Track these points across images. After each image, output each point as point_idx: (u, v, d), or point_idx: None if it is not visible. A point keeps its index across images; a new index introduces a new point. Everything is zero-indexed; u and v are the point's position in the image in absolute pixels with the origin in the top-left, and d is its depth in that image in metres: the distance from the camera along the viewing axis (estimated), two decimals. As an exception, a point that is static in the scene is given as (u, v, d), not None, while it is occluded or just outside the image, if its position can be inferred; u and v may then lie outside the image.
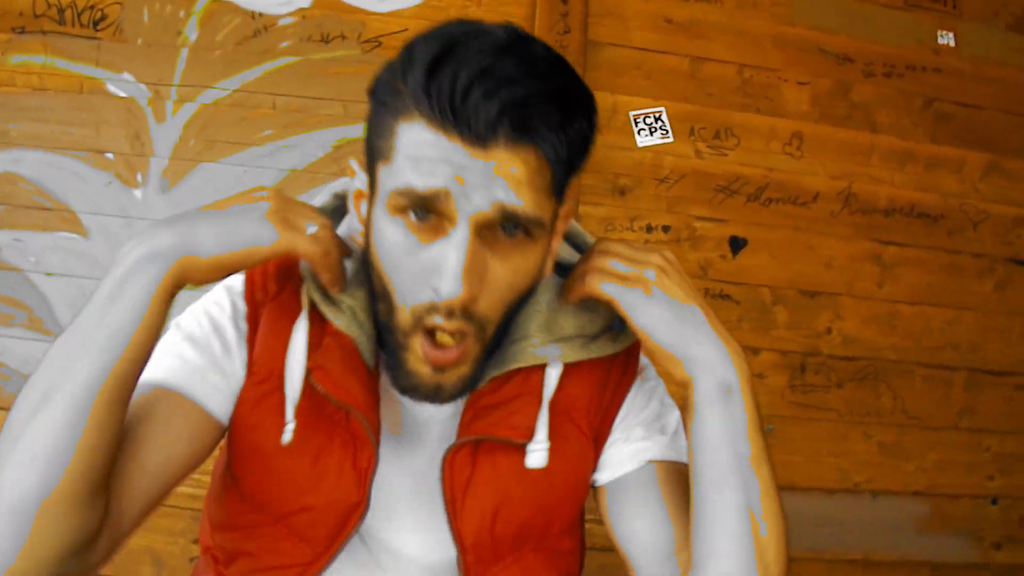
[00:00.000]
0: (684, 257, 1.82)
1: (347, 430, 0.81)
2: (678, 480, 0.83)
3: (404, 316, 0.72)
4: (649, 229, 1.82)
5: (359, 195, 0.80)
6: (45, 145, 1.85)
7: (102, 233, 1.81)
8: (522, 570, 0.85)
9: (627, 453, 0.85)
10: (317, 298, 0.79)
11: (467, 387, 0.78)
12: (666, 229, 1.83)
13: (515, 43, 0.67)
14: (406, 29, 1.91)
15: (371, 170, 0.74)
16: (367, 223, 0.76)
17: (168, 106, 1.87)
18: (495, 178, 0.65)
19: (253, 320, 0.83)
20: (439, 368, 0.74)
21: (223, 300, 0.84)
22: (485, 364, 0.79)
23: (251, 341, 0.82)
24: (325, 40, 1.90)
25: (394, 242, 0.70)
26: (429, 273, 0.68)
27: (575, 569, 0.92)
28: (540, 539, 0.86)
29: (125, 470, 0.71)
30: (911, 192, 1.92)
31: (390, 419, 0.84)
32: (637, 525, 0.84)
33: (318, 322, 0.81)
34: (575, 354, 0.83)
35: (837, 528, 1.77)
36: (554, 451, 0.83)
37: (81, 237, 1.81)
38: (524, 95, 0.64)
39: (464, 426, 0.81)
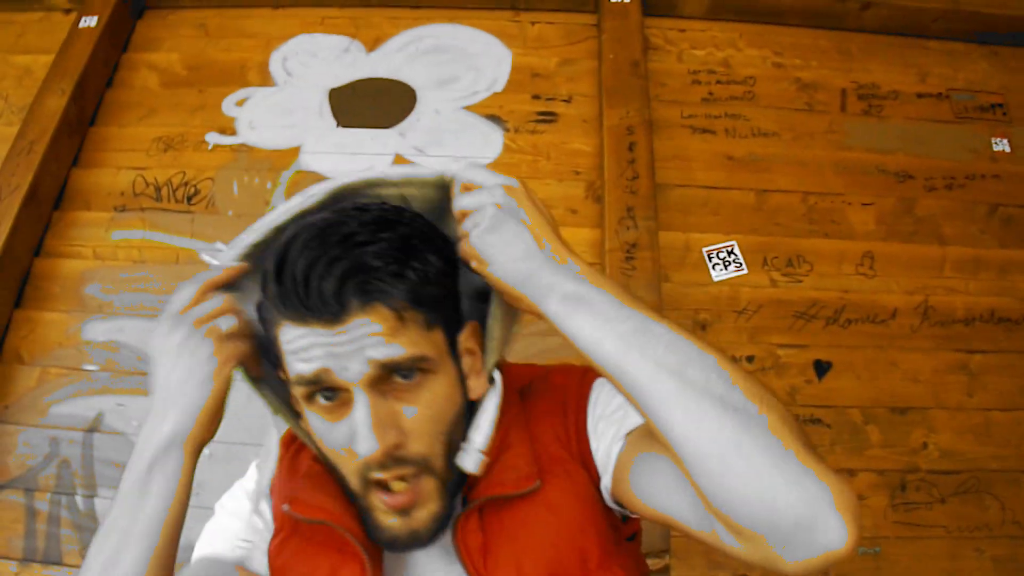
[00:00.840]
0: (770, 383, 1.83)
1: (338, 550, 0.84)
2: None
3: (353, 481, 0.79)
4: (734, 361, 1.85)
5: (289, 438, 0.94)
6: (146, 313, 1.96)
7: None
8: None
9: (607, 445, 0.85)
10: (286, 419, 0.87)
11: (443, 523, 0.81)
12: (750, 359, 1.85)
13: (334, 223, 0.75)
14: (478, 181, 2.02)
15: (284, 388, 0.84)
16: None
17: (260, 271, 1.97)
18: (361, 343, 0.72)
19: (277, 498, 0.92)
20: (402, 511, 0.78)
21: (258, 483, 0.93)
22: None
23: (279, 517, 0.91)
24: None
25: (317, 429, 0.79)
26: (349, 443, 0.75)
27: None
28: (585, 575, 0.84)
29: None
30: (988, 298, 1.93)
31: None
32: (656, 496, 0.79)
33: (306, 452, 0.90)
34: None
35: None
36: (552, 487, 0.84)
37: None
38: (353, 265, 0.72)
39: (466, 512, 0.83)
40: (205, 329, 0.80)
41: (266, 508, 0.93)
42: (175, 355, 0.80)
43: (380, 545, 0.82)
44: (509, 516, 0.83)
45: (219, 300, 0.83)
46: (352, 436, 0.74)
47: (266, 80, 2.21)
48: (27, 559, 1.77)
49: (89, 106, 2.22)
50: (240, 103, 2.18)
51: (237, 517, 0.93)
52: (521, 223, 0.78)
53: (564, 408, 0.91)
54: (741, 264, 1.90)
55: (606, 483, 0.85)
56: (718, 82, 2.12)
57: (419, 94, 2.12)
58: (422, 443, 0.77)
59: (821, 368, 1.84)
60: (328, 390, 0.75)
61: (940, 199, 2.01)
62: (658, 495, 0.77)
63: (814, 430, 1.80)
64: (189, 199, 2.08)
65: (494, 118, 2.10)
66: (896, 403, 1.83)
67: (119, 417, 1.87)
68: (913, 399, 1.84)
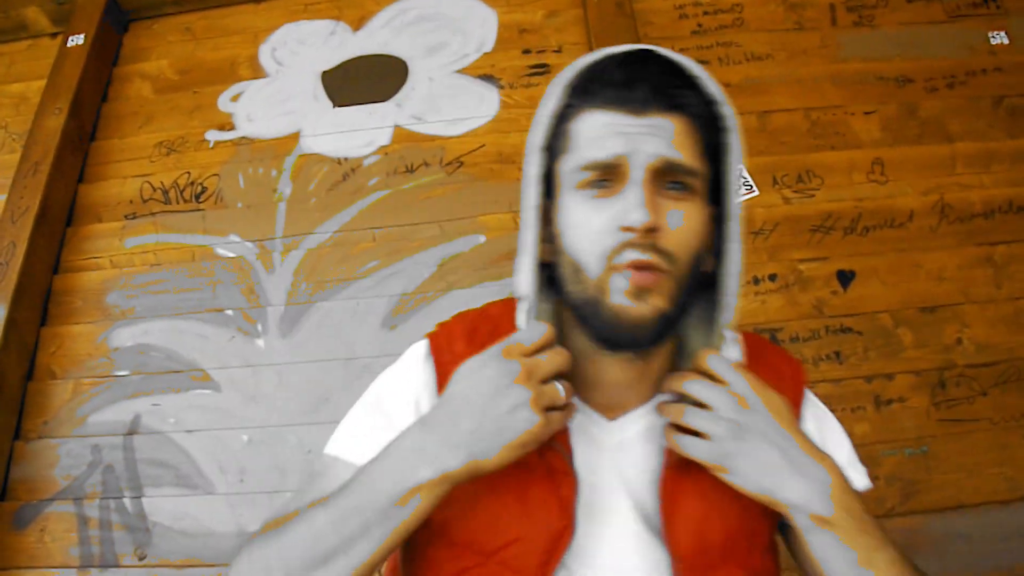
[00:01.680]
0: (796, 300, 1.83)
1: (544, 463, 0.85)
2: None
3: (595, 266, 0.81)
4: (756, 281, 1.84)
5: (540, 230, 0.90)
6: (168, 314, 1.98)
7: (232, 385, 1.90)
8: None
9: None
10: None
11: (664, 328, 0.82)
12: (773, 278, 1.85)
13: (650, 52, 0.86)
14: (483, 145, 2.02)
15: (547, 178, 0.88)
16: (553, 223, 0.87)
17: (275, 257, 1.99)
18: (656, 136, 0.81)
19: (441, 379, 0.91)
20: (640, 293, 0.80)
21: (411, 371, 0.94)
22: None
23: (440, 382, 0.91)
24: (410, 170, 2.02)
25: (582, 210, 0.83)
26: (617, 219, 0.80)
27: None
28: (745, 555, 0.87)
29: None
30: (1004, 189, 1.91)
31: (583, 447, 0.88)
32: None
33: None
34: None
35: (1020, 540, 1.68)
36: None
37: (214, 392, 1.89)
38: (667, 72, 0.83)
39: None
40: (531, 395, 0.78)
41: (425, 402, 0.91)
42: (491, 396, 0.78)
43: (600, 336, 0.84)
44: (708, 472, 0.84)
45: (560, 359, 0.82)
46: (624, 210, 0.79)
47: (258, 73, 2.22)
48: (84, 565, 1.78)
49: (88, 122, 2.24)
50: (235, 98, 2.19)
51: (390, 425, 0.88)
52: (766, 438, 0.81)
53: (778, 379, 0.91)
54: (752, 186, 1.89)
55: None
56: (705, 13, 2.11)
57: (410, 65, 2.13)
58: (675, 244, 0.81)
59: (845, 278, 1.83)
60: (605, 179, 0.82)
61: (943, 98, 2.00)
62: None
63: (846, 339, 1.79)
64: (197, 197, 2.09)
65: (487, 77, 2.10)
66: (925, 303, 1.82)
67: (155, 417, 1.89)
68: (941, 297, 1.83)
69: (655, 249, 0.80)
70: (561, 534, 0.84)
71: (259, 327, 1.94)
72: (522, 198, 0.87)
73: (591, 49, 2.03)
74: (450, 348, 0.93)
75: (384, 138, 2.05)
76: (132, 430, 1.88)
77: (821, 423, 0.95)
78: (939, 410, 1.76)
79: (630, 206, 0.79)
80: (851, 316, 1.81)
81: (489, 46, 2.13)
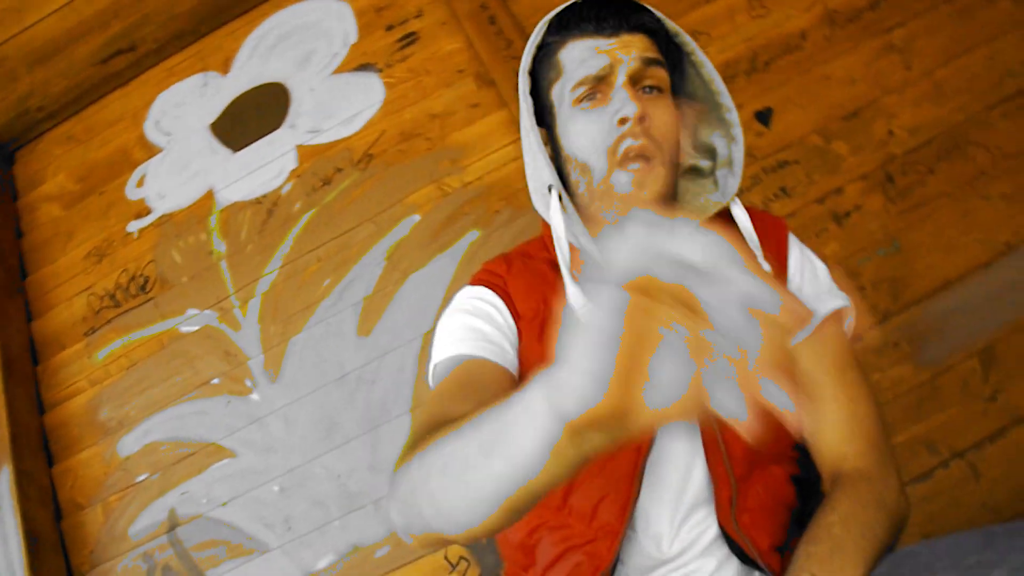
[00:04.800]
0: (726, 155, 1.84)
1: None
2: (841, 345, 1.05)
3: (604, 169, 0.99)
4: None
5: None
6: (161, 405, 1.99)
7: (246, 445, 1.92)
8: (764, 485, 0.99)
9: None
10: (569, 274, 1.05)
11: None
12: (695, 142, 1.86)
13: None
14: (383, 132, 2.03)
15: (544, 107, 1.08)
16: (557, 140, 1.06)
17: (236, 313, 2.00)
18: (630, 47, 1.00)
19: (504, 295, 1.08)
20: (641, 183, 0.97)
21: (475, 297, 1.09)
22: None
23: (511, 306, 1.07)
24: (326, 182, 2.03)
25: (582, 120, 1.01)
26: (613, 117, 0.98)
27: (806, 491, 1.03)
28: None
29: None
30: (880, -22, 1.92)
31: None
32: (813, 399, 1.02)
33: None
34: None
35: (1012, 292, 1.72)
36: None
37: (232, 459, 1.91)
38: (629, 8, 1.02)
39: None
40: None
41: (503, 310, 1.07)
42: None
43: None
44: None
45: None
46: (617, 109, 0.97)
47: (151, 150, 2.21)
48: (176, 663, 1.82)
49: (13, 265, 2.23)
50: (140, 183, 2.19)
51: (480, 320, 1.05)
52: None
53: (765, 233, 1.08)
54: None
55: None
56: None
57: (288, 84, 2.12)
58: (660, 131, 0.99)
59: (764, 117, 1.85)
60: (595, 91, 1.01)
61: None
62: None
63: (787, 173, 1.81)
64: (143, 289, 2.10)
65: (364, 67, 2.10)
66: (847, 110, 1.84)
67: (189, 504, 1.91)
68: (859, 99, 1.85)
69: (648, 135, 0.97)
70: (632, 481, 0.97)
71: (248, 383, 1.95)
72: (521, 116, 1.07)
73: (450, 3, 2.04)
74: (497, 273, 1.12)
75: (291, 162, 2.06)
76: (173, 524, 1.90)
77: (803, 254, 1.11)
78: (896, 204, 1.78)
79: (621, 104, 0.97)
80: (783, 150, 1.83)
81: (354, 37, 2.13)
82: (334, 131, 2.06)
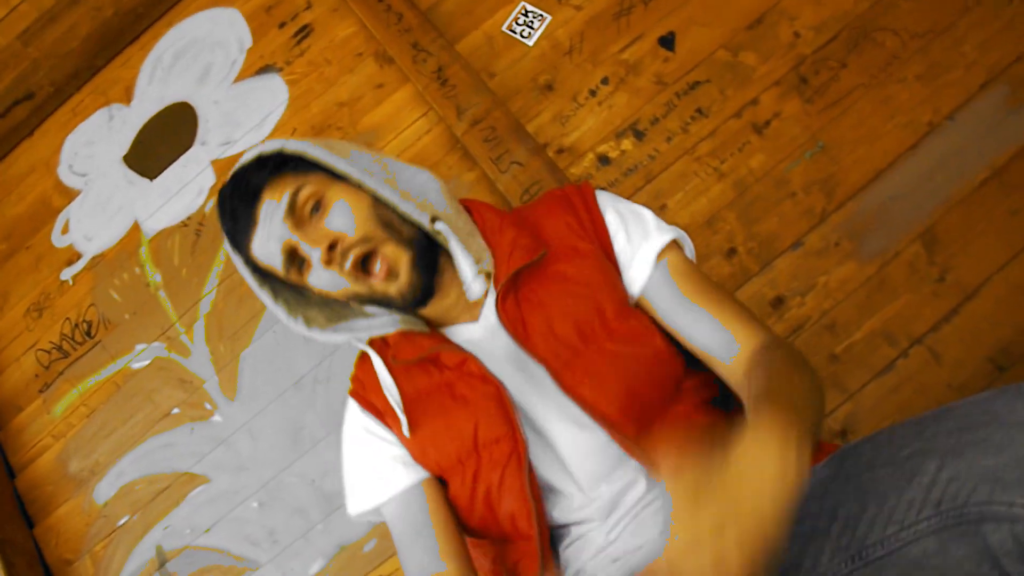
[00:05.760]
0: (637, 88, 1.81)
1: (449, 382, 1.07)
2: (686, 269, 1.09)
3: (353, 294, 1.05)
4: (593, 93, 1.83)
5: None
6: (129, 444, 1.97)
7: (218, 468, 1.89)
8: (603, 356, 1.03)
9: (643, 258, 1.09)
10: (369, 349, 1.14)
11: (419, 282, 1.04)
12: (605, 81, 1.83)
13: (235, 184, 1.07)
14: (295, 130, 2.00)
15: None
16: None
17: (183, 340, 1.97)
18: (273, 218, 1.03)
19: (375, 412, 1.13)
20: (381, 281, 1.03)
21: (354, 422, 1.16)
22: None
23: (384, 421, 1.12)
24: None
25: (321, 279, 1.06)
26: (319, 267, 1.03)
27: (669, 361, 1.07)
28: (603, 325, 1.05)
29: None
30: None
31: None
32: (686, 326, 1.06)
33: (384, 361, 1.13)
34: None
35: (943, 169, 1.70)
36: (565, 261, 1.09)
37: (207, 485, 1.89)
38: (250, 189, 1.04)
39: (501, 293, 1.06)
40: None
41: (374, 426, 1.13)
42: None
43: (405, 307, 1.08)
44: (534, 290, 1.06)
45: None
46: (315, 265, 1.03)
47: (70, 195, 2.17)
48: None
49: (-50, 334, 2.20)
50: (65, 230, 2.15)
51: (370, 453, 1.12)
52: None
53: (572, 207, 1.13)
54: (541, 14, 1.87)
55: (629, 280, 1.10)
56: None
57: (193, 102, 2.08)
58: (358, 232, 1.03)
59: (667, 41, 1.82)
60: (293, 262, 1.05)
61: None
62: (683, 331, 1.06)
63: (700, 93, 1.78)
64: (89, 334, 2.06)
65: (264, 69, 2.06)
66: (748, 20, 1.81)
67: (173, 537, 1.89)
68: (758, 6, 1.81)
69: (344, 252, 1.00)
70: (500, 394, 1.03)
71: (208, 406, 1.93)
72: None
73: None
74: (364, 393, 1.16)
75: (209, 179, 2.02)
76: (162, 561, 1.88)
77: (617, 204, 1.14)
78: (813, 104, 1.76)
79: (314, 259, 1.01)
80: (692, 71, 1.80)
81: (248, 41, 2.08)
82: (246, 139, 2.02)
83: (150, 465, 1.95)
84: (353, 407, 1.16)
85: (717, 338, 1.02)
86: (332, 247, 0.99)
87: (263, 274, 1.09)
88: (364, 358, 1.18)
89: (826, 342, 1.65)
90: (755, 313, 1.06)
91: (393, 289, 1.02)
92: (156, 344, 1.99)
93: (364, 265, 1.02)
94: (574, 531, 1.07)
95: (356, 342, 1.12)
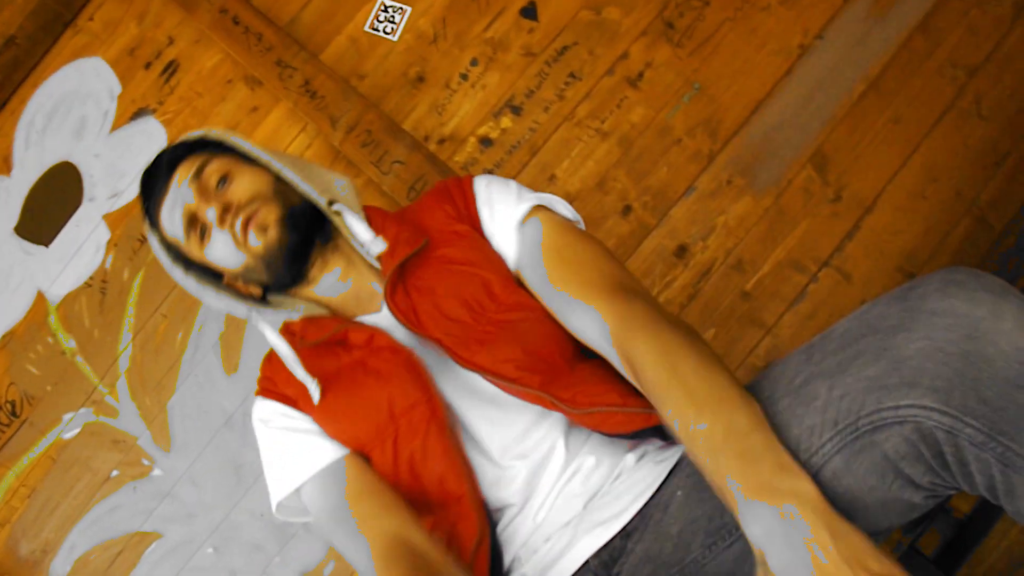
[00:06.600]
0: (506, 64, 1.79)
1: (360, 360, 1.10)
2: (554, 240, 1.10)
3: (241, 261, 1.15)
4: (465, 77, 1.80)
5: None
6: (75, 516, 1.93)
7: (168, 521, 1.86)
8: (494, 325, 1.06)
9: (506, 228, 1.14)
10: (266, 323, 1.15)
11: (285, 244, 1.13)
12: (474, 63, 1.80)
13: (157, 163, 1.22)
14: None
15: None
16: None
17: (109, 400, 1.93)
18: (179, 194, 1.16)
19: (288, 401, 1.14)
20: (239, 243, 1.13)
21: (266, 415, 1.16)
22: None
23: (298, 406, 1.13)
24: (143, 240, 1.95)
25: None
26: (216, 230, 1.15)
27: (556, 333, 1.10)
28: (491, 299, 1.08)
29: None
30: None
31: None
32: (557, 311, 1.09)
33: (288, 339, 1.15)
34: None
35: (821, 94, 1.70)
36: (447, 246, 1.13)
37: (159, 540, 1.86)
38: (164, 172, 1.19)
39: (389, 284, 1.09)
40: None
41: (290, 411, 1.13)
42: None
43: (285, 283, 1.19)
44: (421, 277, 1.10)
45: None
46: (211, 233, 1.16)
47: (-32, 276, 2.11)
48: None
49: None
50: (-32, 312, 2.09)
51: (285, 436, 1.12)
52: None
53: (450, 195, 1.18)
54: (401, 7, 1.84)
55: (502, 253, 1.15)
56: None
57: (74, 159, 2.03)
58: (240, 197, 1.14)
59: (530, 11, 1.80)
60: (193, 227, 1.17)
61: None
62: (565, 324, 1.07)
63: (569, 57, 1.77)
64: (13, 414, 2.01)
65: (138, 113, 2.00)
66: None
67: (138, 598, 1.87)
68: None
69: (240, 210, 1.11)
70: (411, 357, 1.07)
71: (145, 462, 1.90)
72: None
73: (193, 20, 1.95)
74: (271, 379, 1.18)
75: (104, 234, 1.97)
76: (133, 622, 1.86)
77: (489, 183, 1.19)
78: (683, 47, 1.75)
79: (210, 218, 1.13)
80: (558, 36, 1.78)
81: (118, 87, 2.03)
82: (133, 188, 1.97)
83: (100, 532, 1.91)
84: (263, 403, 1.17)
85: (584, 325, 1.03)
86: (226, 209, 1.10)
87: (176, 254, 1.20)
88: (269, 359, 1.21)
89: (735, 281, 1.66)
90: (623, 279, 1.05)
91: (261, 247, 1.11)
92: (83, 410, 1.95)
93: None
94: (506, 514, 1.08)
95: (264, 327, 1.15)
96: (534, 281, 1.10)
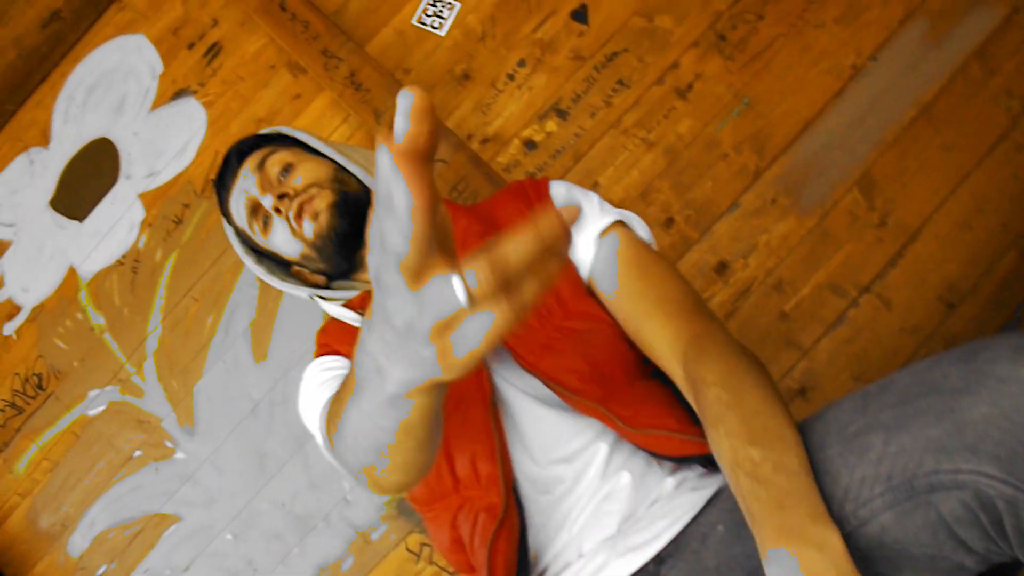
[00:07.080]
0: (555, 67, 1.77)
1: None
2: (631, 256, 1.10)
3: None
4: (511, 77, 1.78)
5: None
6: (96, 493, 1.94)
7: (188, 505, 1.87)
8: (560, 332, 1.06)
9: (586, 237, 1.11)
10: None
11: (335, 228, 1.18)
12: (522, 63, 1.79)
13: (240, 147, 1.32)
14: (217, 152, 1.95)
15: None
16: None
17: (136, 380, 1.93)
18: (247, 180, 1.27)
19: (339, 353, 1.18)
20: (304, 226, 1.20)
21: (322, 366, 1.17)
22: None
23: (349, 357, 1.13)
24: (178, 220, 1.95)
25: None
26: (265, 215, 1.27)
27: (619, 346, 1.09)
28: (559, 305, 1.07)
29: None
30: None
31: None
32: (627, 323, 1.09)
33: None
34: None
35: (871, 114, 1.68)
36: None
37: (178, 523, 1.87)
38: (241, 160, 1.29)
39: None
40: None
41: (342, 361, 1.15)
42: None
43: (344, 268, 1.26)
44: None
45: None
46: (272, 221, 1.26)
47: (1, 246, 2.12)
48: None
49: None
50: (0, 284, 2.09)
51: (337, 373, 1.13)
52: None
53: (525, 195, 1.17)
54: (450, 2, 1.82)
55: (577, 263, 1.12)
56: None
57: (112, 135, 2.02)
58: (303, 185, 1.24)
59: (580, 15, 1.78)
60: (264, 214, 1.27)
61: None
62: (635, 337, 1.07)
63: (618, 64, 1.75)
64: (40, 387, 2.02)
65: (179, 94, 2.00)
66: (660, -19, 1.77)
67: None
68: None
69: (296, 196, 1.19)
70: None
71: (169, 444, 1.90)
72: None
73: (240, 3, 1.94)
74: (324, 345, 1.22)
75: (138, 213, 1.97)
76: (148, 600, 1.87)
77: (569, 191, 1.17)
78: (734, 60, 1.73)
79: (267, 206, 1.22)
80: (608, 42, 1.76)
81: (160, 66, 2.02)
82: (170, 168, 1.97)
83: (120, 511, 1.92)
84: (319, 360, 1.19)
85: (655, 340, 1.03)
86: (283, 196, 1.17)
87: (247, 243, 1.30)
88: (323, 331, 1.26)
89: (775, 301, 1.64)
90: (697, 301, 1.05)
91: (312, 233, 1.17)
92: (109, 388, 1.95)
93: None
94: (540, 516, 1.07)
95: (327, 305, 1.22)
96: (609, 291, 1.10)
